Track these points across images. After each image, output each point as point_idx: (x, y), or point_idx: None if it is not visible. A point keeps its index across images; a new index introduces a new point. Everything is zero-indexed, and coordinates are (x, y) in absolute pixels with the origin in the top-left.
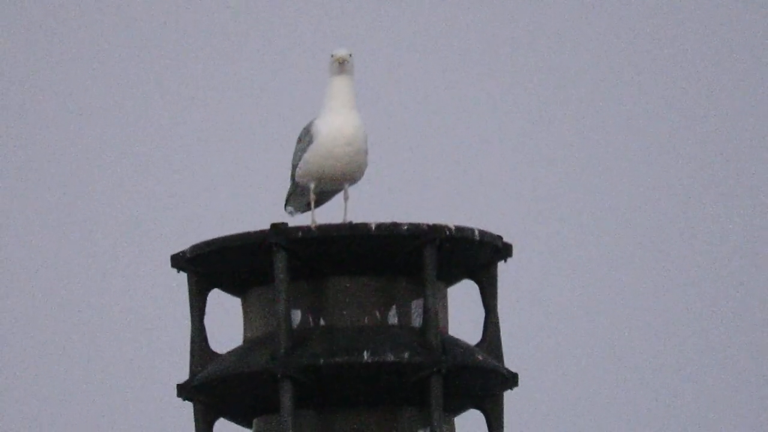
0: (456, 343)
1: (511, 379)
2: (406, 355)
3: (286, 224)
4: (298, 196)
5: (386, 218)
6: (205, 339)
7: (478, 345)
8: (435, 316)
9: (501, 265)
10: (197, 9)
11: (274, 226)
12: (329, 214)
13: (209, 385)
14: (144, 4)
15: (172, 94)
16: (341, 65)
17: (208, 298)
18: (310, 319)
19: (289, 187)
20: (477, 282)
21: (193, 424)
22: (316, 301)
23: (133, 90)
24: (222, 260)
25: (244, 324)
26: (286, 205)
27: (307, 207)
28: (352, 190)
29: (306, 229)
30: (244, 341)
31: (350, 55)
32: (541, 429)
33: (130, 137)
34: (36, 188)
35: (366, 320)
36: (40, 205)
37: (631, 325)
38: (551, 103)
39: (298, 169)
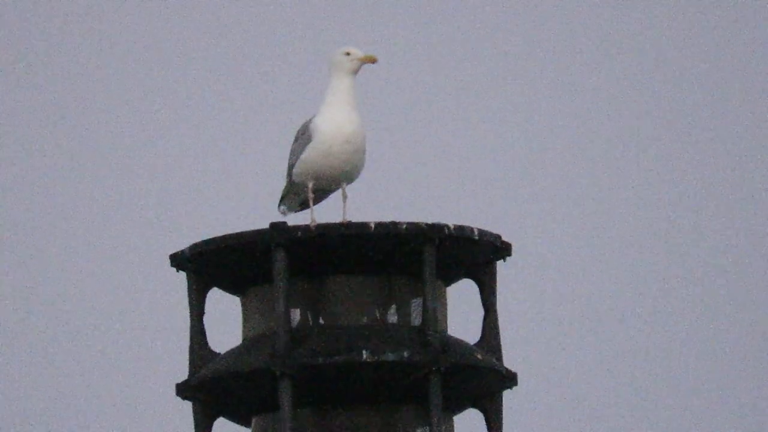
0: (455, 342)
1: (510, 379)
2: (406, 353)
3: (286, 223)
4: (293, 195)
5: (385, 217)
6: (204, 338)
7: (477, 344)
8: (434, 315)
9: (500, 264)
10: (196, 9)
11: (273, 225)
12: (328, 213)
13: (208, 384)
14: (143, 4)
15: (171, 93)
16: (360, 65)
17: (207, 297)
18: (310, 318)
19: (284, 186)
20: (476, 281)
21: (193, 423)
22: (315, 300)
23: (132, 90)
24: (221, 259)
25: (243, 323)
26: (279, 204)
27: (300, 206)
28: (352, 189)
29: (305, 228)
30: (244, 340)
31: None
32: (540, 428)
33: (130, 137)
34: (36, 188)
35: (365, 319)
36: (41, 204)
37: (631, 324)
38: (551, 103)
39: (295, 167)
